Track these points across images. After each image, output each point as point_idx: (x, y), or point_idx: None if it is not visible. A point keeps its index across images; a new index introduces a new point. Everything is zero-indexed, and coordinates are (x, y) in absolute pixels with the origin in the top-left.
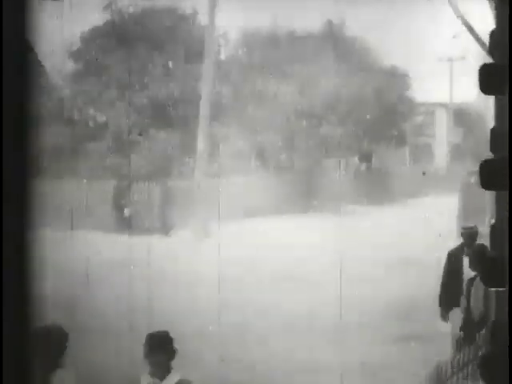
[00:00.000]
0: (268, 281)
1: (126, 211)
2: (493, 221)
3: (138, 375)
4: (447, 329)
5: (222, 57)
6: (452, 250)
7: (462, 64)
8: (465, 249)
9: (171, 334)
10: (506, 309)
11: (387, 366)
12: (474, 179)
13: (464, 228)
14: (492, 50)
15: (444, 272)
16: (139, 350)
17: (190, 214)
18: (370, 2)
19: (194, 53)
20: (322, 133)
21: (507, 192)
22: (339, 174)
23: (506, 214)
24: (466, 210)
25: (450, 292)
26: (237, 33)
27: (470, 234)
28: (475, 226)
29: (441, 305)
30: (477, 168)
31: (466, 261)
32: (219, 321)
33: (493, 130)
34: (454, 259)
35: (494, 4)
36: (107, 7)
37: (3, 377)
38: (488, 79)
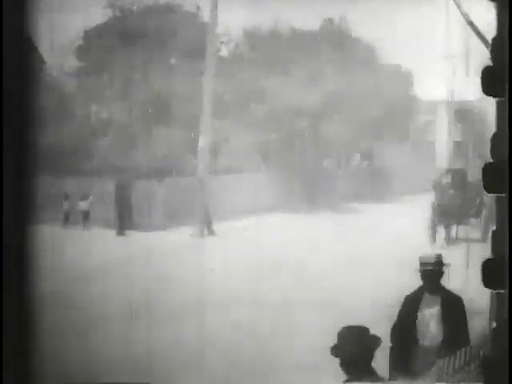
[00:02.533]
0: (269, 278)
1: (84, 204)
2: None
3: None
4: None
5: (224, 54)
6: (409, 295)
7: (464, 62)
8: (426, 294)
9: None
10: (506, 312)
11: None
12: (447, 180)
13: (423, 263)
14: (493, 54)
15: (397, 319)
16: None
17: (191, 211)
18: (373, 0)
19: (197, 50)
20: (324, 131)
21: (507, 195)
22: (340, 171)
23: (507, 216)
24: (437, 213)
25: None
26: (239, 30)
27: (429, 274)
28: (439, 257)
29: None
30: (451, 167)
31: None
32: (219, 319)
33: (494, 136)
34: (410, 304)
35: (495, 6)
36: (110, 4)
37: (3, 377)
38: (490, 81)
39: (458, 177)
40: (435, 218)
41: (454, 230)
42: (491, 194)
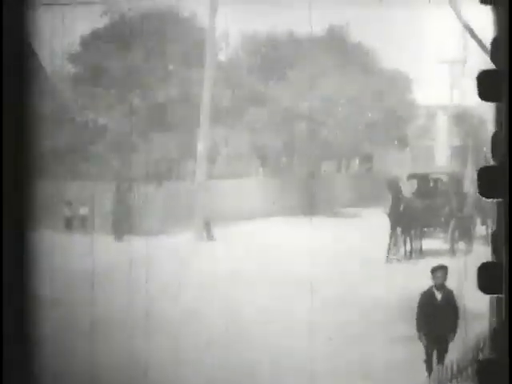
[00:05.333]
0: (267, 281)
1: (83, 210)
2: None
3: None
4: None
5: (223, 59)
6: None
7: (463, 67)
8: None
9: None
10: (505, 315)
11: (387, 365)
12: (411, 186)
13: None
14: (494, 56)
15: None
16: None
17: (190, 216)
18: (371, 5)
19: (195, 55)
20: (323, 135)
21: (507, 199)
22: (340, 176)
23: (507, 220)
24: (396, 224)
25: None
26: (237, 35)
27: None
28: None
29: None
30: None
31: None
32: (219, 321)
33: (494, 136)
34: None
35: (494, 10)
36: (107, 10)
37: (3, 377)
38: (486, 86)
39: (424, 183)
40: (395, 230)
41: (417, 242)
42: (489, 200)
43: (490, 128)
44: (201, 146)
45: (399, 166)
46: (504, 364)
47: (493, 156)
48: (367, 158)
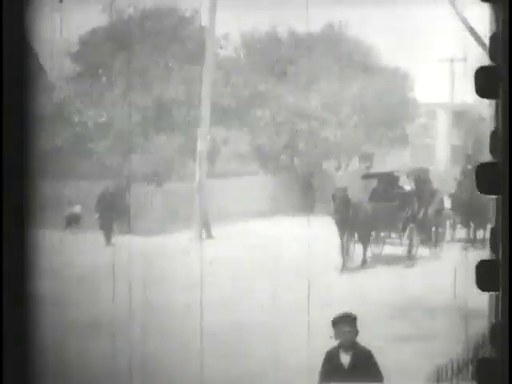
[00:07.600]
0: (266, 280)
1: (77, 208)
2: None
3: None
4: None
5: (223, 58)
6: None
7: (463, 65)
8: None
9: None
10: (506, 312)
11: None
12: (369, 186)
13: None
14: (492, 53)
15: None
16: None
17: (190, 215)
18: (371, 3)
19: (195, 54)
20: (323, 134)
21: (507, 196)
22: (340, 174)
23: (506, 217)
24: (341, 229)
25: None
26: (237, 34)
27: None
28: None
29: None
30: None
31: None
32: (218, 321)
33: (493, 133)
34: None
35: (493, 6)
36: (107, 8)
37: (3, 377)
38: (484, 83)
39: (385, 183)
40: (342, 238)
41: (375, 248)
42: (490, 196)
43: (490, 126)
44: (201, 145)
45: (399, 164)
46: (504, 363)
47: (491, 153)
48: (367, 157)
